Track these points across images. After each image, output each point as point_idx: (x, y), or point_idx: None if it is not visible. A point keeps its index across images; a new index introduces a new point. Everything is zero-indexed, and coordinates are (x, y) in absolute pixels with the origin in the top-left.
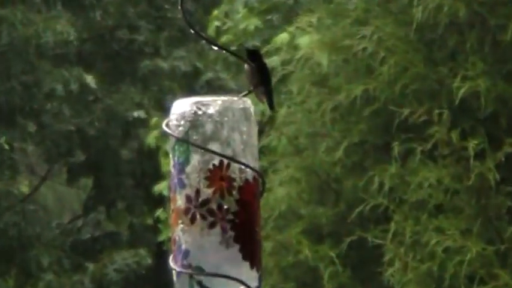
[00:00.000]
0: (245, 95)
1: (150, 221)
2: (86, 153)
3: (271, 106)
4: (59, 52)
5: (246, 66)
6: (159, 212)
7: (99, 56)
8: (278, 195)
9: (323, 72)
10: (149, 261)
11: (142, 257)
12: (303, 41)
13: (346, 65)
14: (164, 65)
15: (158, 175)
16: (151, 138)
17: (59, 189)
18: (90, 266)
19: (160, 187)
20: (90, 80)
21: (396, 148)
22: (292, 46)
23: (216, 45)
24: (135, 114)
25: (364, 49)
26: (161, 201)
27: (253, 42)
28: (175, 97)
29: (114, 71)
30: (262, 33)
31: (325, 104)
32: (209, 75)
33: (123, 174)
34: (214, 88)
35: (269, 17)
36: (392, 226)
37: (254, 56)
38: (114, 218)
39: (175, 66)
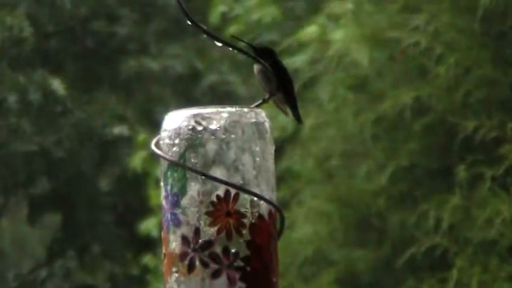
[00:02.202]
0: (259, 105)
1: (135, 270)
2: (52, 182)
3: (297, 118)
4: (13, 52)
5: (257, 67)
6: (147, 258)
7: (69, 55)
8: (303, 234)
9: (362, 73)
10: None
11: None
12: (337, 34)
13: (392, 64)
14: (154, 65)
15: (145, 210)
16: (136, 162)
17: (17, 229)
18: None
19: (148, 225)
20: (57, 85)
21: (459, 173)
22: (322, 41)
23: (220, 40)
24: (116, 130)
25: (416, 44)
26: (149, 243)
27: (269, 37)
28: (167, 108)
29: (88, 74)
30: (281, 25)
31: (364, 114)
32: (212, 78)
33: (100, 209)
34: (219, 96)
35: (290, 4)
36: (454, 274)
37: (266, 55)
38: (89, 266)
39: (168, 67)
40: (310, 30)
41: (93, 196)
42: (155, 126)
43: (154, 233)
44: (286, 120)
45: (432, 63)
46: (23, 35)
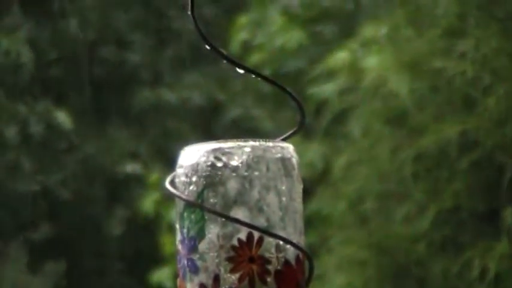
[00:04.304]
0: (285, 138)
1: None
2: (56, 226)
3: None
4: (11, 79)
5: None
6: None
7: (74, 84)
8: (334, 285)
9: (400, 105)
10: None
11: None
12: (371, 61)
13: (434, 95)
14: (169, 96)
15: (157, 258)
16: (149, 204)
17: (18, 277)
18: None
19: (161, 276)
20: (62, 118)
21: (506, 217)
22: (354, 69)
23: (242, 66)
24: (127, 168)
25: (463, 73)
26: None
27: (295, 64)
28: (184, 143)
29: (97, 106)
30: (308, 51)
31: (403, 151)
32: (235, 112)
33: (108, 256)
34: (242, 131)
35: (318, 28)
36: None
37: None
38: None
39: (186, 98)
40: (340, 57)
41: (101, 242)
42: (170, 164)
43: (167, 284)
44: (314, 156)
45: (479, 94)
46: (22, 60)
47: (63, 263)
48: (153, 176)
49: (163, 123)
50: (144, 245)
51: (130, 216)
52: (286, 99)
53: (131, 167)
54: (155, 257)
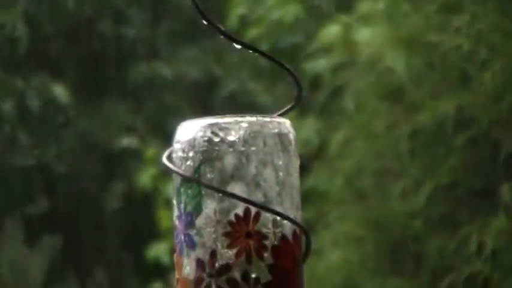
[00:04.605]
0: (283, 114)
1: None
2: (52, 201)
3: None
4: (6, 53)
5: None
6: (157, 287)
7: (72, 59)
8: (331, 261)
9: (397, 81)
10: None
11: None
12: (364, 34)
13: (430, 71)
14: (166, 71)
15: (154, 233)
16: (146, 178)
17: (15, 252)
18: None
19: (158, 251)
20: (58, 92)
21: (504, 193)
22: (347, 43)
23: (239, 42)
24: (124, 142)
25: (458, 48)
26: (159, 270)
27: (292, 39)
28: (182, 119)
29: (94, 80)
30: (306, 26)
31: (399, 127)
32: (232, 86)
33: (105, 231)
34: (238, 105)
35: (316, 1)
36: None
37: None
38: None
39: (182, 73)
40: (332, 31)
41: (98, 217)
42: (167, 139)
43: (164, 259)
44: (311, 132)
45: (476, 69)
46: (17, 34)
47: (60, 238)
48: (150, 151)
49: (159, 98)
50: (141, 220)
51: (127, 191)
52: (282, 73)
53: (128, 141)
54: (152, 232)
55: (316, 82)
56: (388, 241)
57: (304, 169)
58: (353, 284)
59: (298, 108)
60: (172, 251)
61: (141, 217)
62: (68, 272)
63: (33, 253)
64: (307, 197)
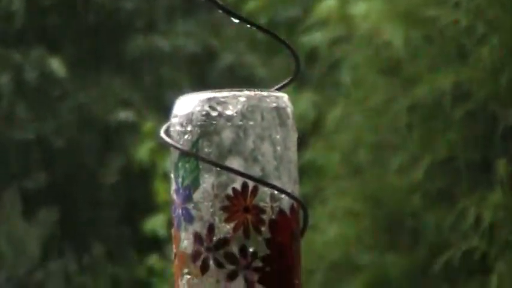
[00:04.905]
0: (281, 88)
1: (140, 273)
2: (50, 174)
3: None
4: (3, 27)
5: None
6: (153, 260)
7: (69, 32)
8: (328, 236)
9: (395, 55)
10: None
11: None
12: (359, 9)
13: (428, 45)
14: (163, 44)
15: (152, 206)
16: (143, 152)
17: (12, 225)
18: None
19: (155, 223)
20: (56, 65)
21: (501, 167)
22: (343, 17)
23: (236, 15)
24: (121, 116)
25: (456, 22)
26: (156, 243)
27: (290, 12)
28: (179, 92)
29: (91, 53)
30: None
31: (397, 102)
32: (229, 59)
33: (102, 205)
34: (236, 78)
35: None
36: (494, 280)
37: None
38: (89, 267)
39: (180, 46)
40: (328, 4)
41: (95, 190)
42: (165, 112)
43: (161, 232)
44: (307, 106)
45: (473, 44)
46: (13, 7)
47: (57, 211)
48: (148, 124)
49: (156, 71)
50: (138, 193)
51: (125, 164)
52: (280, 46)
53: (124, 115)
54: (149, 205)
55: (313, 56)
56: (385, 216)
57: (301, 143)
58: (350, 259)
59: (295, 82)
60: (169, 224)
61: (138, 190)
62: (65, 245)
63: (31, 226)
64: (304, 172)
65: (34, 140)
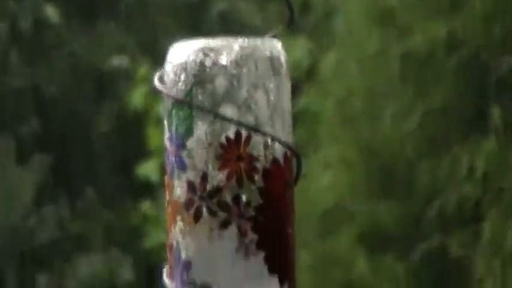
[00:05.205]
0: (274, 36)
1: (133, 219)
2: (44, 121)
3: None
4: None
5: None
6: (146, 206)
7: None
8: (321, 184)
9: (389, 4)
10: (131, 274)
11: (120, 265)
12: None
13: None
14: None
15: (145, 152)
16: (137, 97)
17: (6, 171)
18: (43, 279)
19: (148, 169)
20: (50, 12)
21: (495, 116)
22: None
23: None
24: (115, 61)
25: None
26: (149, 189)
27: None
28: (173, 38)
29: (85, 0)
30: None
31: (391, 50)
32: (222, 5)
33: (96, 151)
34: (229, 24)
35: None
36: (486, 228)
37: None
38: (82, 213)
39: None
40: None
41: (88, 137)
42: (159, 58)
43: (154, 177)
44: (302, 54)
45: None
46: None
47: (51, 158)
48: (141, 70)
49: (151, 17)
50: (132, 140)
51: (118, 111)
52: None
53: (119, 60)
54: (142, 152)
55: (307, 3)
56: (379, 164)
57: (294, 91)
58: (343, 207)
59: (290, 29)
60: (162, 169)
61: (132, 137)
62: (59, 191)
63: (24, 172)
64: (298, 119)
65: (28, 87)
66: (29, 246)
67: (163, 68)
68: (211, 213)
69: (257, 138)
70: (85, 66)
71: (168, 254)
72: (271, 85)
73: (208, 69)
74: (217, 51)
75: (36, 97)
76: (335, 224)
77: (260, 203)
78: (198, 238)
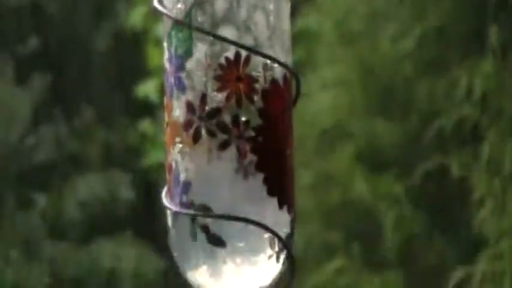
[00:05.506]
0: None
1: (132, 138)
2: (42, 40)
3: None
4: None
5: None
6: (145, 125)
7: None
8: (320, 104)
9: None
10: (130, 194)
11: (119, 185)
12: None
13: None
14: None
15: (144, 71)
16: (136, 17)
17: (5, 90)
18: (42, 200)
19: (147, 88)
20: None
21: (494, 35)
22: None
23: None
24: None
25: None
26: (147, 108)
27: None
28: None
29: None
30: None
31: None
32: None
33: (94, 70)
34: None
35: None
36: (485, 149)
37: None
38: (80, 133)
39: None
40: None
41: (87, 56)
42: None
43: (153, 97)
44: None
45: None
46: None
47: (49, 77)
48: None
49: None
50: (131, 59)
51: (117, 31)
52: None
53: None
54: (141, 71)
55: None
56: (377, 84)
57: (294, 11)
58: (342, 127)
59: None
60: (161, 89)
61: (131, 56)
62: (56, 110)
63: (23, 92)
64: (297, 39)
65: (27, 5)
66: (27, 166)
67: None
68: (210, 134)
69: (256, 60)
70: None
71: (167, 175)
72: (271, 6)
73: None
74: None
75: (35, 15)
76: (333, 143)
77: (259, 124)
78: (197, 159)
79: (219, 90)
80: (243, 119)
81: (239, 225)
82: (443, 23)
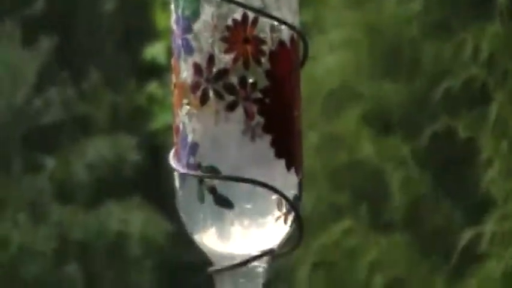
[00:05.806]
0: None
1: (139, 100)
2: (48, 1)
3: None
4: None
5: None
6: (153, 87)
7: None
8: (327, 65)
9: None
10: (137, 156)
11: (126, 148)
12: None
13: None
14: None
15: (151, 33)
16: None
17: (11, 53)
18: (49, 162)
19: (154, 50)
20: None
21: None
22: None
23: None
24: None
25: None
26: (155, 70)
27: None
28: None
29: None
30: None
31: None
32: None
33: (101, 32)
34: None
35: None
36: (493, 109)
37: None
38: (88, 95)
39: None
40: None
41: (94, 18)
42: None
43: (160, 59)
44: None
45: None
46: None
47: (56, 39)
48: None
49: None
50: (138, 21)
51: None
52: None
53: None
54: (149, 33)
55: None
56: (384, 45)
57: None
58: (349, 88)
59: None
60: (168, 51)
61: (138, 18)
62: (63, 73)
63: (29, 53)
64: (304, 1)
65: None
66: (35, 129)
67: None
68: (218, 95)
69: (264, 21)
70: None
71: (175, 137)
72: None
73: None
74: None
75: None
76: (340, 105)
77: (267, 85)
78: (204, 121)
79: (226, 51)
80: (250, 80)
81: (247, 187)
82: None
